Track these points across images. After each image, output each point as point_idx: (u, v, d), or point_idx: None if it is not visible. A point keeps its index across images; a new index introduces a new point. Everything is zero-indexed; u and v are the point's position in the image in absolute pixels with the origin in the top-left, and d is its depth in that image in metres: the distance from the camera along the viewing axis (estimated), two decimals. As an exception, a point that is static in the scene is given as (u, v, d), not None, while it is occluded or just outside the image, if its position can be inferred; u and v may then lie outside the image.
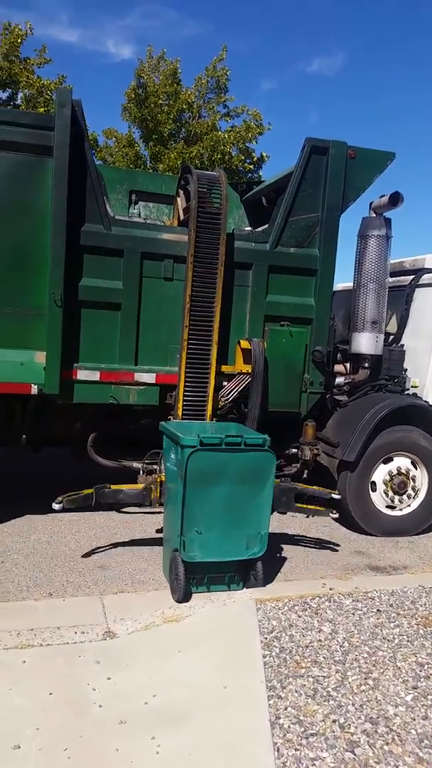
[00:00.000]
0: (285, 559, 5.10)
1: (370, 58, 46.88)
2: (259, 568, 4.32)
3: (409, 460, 5.88)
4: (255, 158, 14.65)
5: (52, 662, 3.30)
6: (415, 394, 6.33)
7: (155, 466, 5.22)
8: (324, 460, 5.95)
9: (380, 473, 5.81)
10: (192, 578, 4.19)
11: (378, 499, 5.82)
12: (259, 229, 5.89)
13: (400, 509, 5.89)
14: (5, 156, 4.93)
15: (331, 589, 4.35)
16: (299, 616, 3.89)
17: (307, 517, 5.76)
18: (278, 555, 5.14)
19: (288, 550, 5.33)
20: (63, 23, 28.36)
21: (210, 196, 5.35)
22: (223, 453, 4.09)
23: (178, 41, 27.64)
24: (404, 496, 5.85)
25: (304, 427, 5.94)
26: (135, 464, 5.45)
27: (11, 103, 13.40)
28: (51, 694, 3.00)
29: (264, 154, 14.84)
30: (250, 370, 5.53)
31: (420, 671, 3.36)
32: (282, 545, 5.37)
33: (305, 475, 5.93)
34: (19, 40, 13.15)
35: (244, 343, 5.59)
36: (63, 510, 4.78)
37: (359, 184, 5.82)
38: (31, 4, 26.09)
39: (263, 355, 5.50)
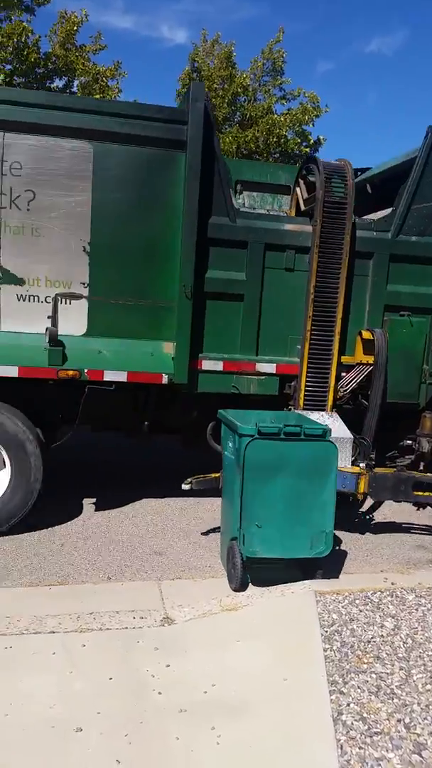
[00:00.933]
0: (344, 551, 5.00)
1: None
2: (319, 559, 4.23)
3: None
4: (311, 141, 14.33)
5: (112, 647, 3.32)
6: None
7: None
8: None
9: None
10: (249, 567, 4.14)
11: None
12: (380, 217, 5.78)
13: None
14: (139, 151, 4.93)
15: (393, 583, 4.21)
16: (360, 611, 3.78)
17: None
18: (337, 547, 5.03)
19: (347, 542, 5.22)
20: (118, 10, 28.52)
21: (333, 186, 5.28)
22: (281, 442, 4.01)
23: (234, 24, 27.51)
24: None
25: (422, 419, 5.81)
26: None
27: (67, 90, 13.52)
28: (111, 679, 3.01)
29: (321, 137, 14.51)
30: (370, 361, 5.47)
31: None
32: (341, 537, 5.27)
33: (421, 467, 5.78)
34: (75, 28, 13.25)
35: (366, 334, 5.51)
36: (191, 490, 4.90)
37: None
38: (86, -8, 26.28)
39: (386, 345, 5.43)
